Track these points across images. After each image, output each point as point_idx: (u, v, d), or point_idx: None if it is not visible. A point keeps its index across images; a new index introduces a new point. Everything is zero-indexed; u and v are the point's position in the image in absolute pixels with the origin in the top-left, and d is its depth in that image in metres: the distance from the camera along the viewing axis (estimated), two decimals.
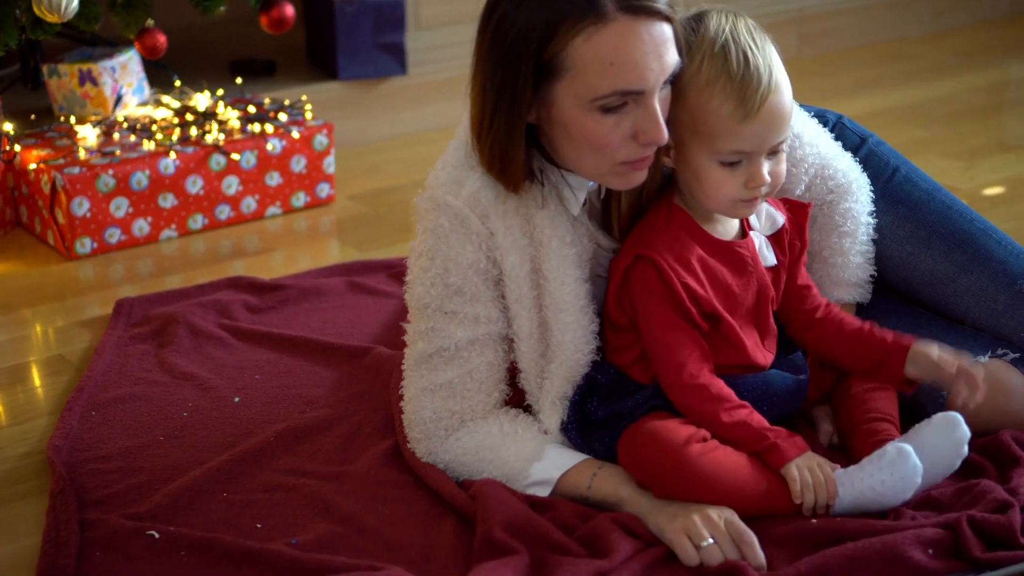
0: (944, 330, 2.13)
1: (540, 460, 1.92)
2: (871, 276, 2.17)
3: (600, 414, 1.91)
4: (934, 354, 1.92)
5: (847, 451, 1.97)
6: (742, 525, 1.79)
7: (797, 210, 2.00)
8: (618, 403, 1.91)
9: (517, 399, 2.02)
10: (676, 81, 1.83)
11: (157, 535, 1.85)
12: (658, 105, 1.79)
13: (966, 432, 1.87)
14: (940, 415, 1.88)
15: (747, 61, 1.81)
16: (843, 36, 4.58)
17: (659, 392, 1.89)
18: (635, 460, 1.84)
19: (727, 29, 1.83)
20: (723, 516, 1.79)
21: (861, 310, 2.18)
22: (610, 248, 1.98)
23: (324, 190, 3.17)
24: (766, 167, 1.85)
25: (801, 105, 2.32)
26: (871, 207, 2.17)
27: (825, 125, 2.25)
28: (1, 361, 2.51)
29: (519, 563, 1.74)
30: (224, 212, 3.05)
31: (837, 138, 2.24)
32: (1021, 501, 1.84)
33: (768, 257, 1.96)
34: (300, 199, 3.14)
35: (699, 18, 1.87)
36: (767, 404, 1.92)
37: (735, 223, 1.94)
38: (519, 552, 1.76)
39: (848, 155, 2.17)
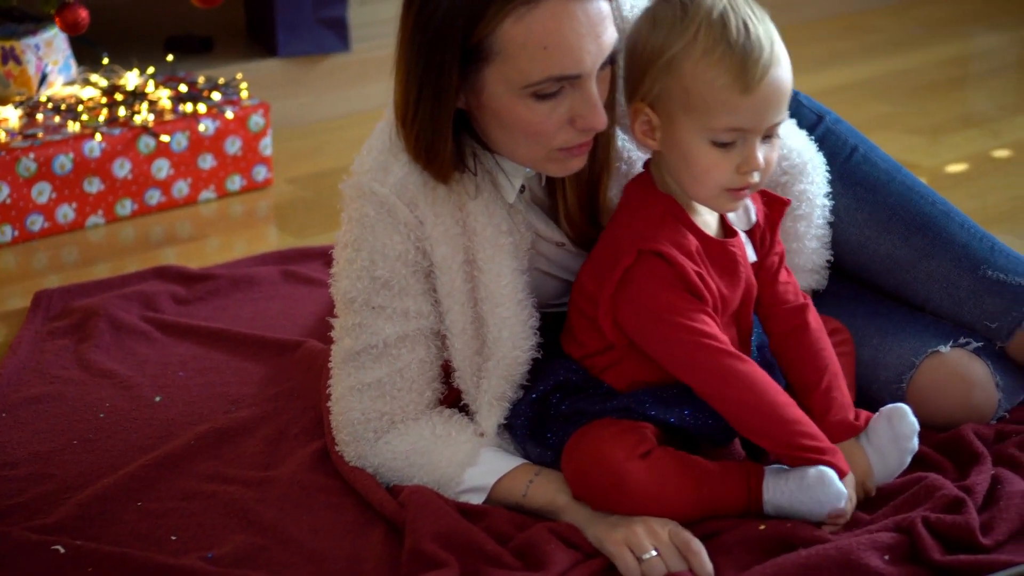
0: (905, 319, 2.02)
1: (474, 465, 1.79)
2: (827, 261, 2.05)
3: (563, 408, 1.78)
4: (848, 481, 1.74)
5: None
6: (687, 534, 1.67)
7: (774, 205, 1.85)
8: (585, 401, 1.78)
9: (453, 398, 1.90)
10: (660, 55, 1.69)
11: (63, 550, 1.72)
12: (596, 88, 1.66)
13: (913, 424, 1.75)
14: (887, 408, 1.76)
15: (748, 30, 1.65)
16: (802, 9, 4.46)
17: (635, 403, 1.75)
18: (573, 476, 1.72)
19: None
20: (667, 527, 1.67)
21: (819, 297, 2.07)
22: (553, 239, 1.85)
23: (261, 173, 3.03)
24: (761, 151, 1.69)
25: None
26: (827, 188, 2.05)
27: None
28: None
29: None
30: (154, 197, 2.91)
31: (792, 116, 2.12)
32: (976, 499, 1.73)
33: (750, 254, 1.83)
34: (235, 183, 3.00)
35: None
36: None
37: (715, 220, 1.80)
38: (450, 564, 1.64)
39: (803, 134, 2.04)
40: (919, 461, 1.85)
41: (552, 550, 1.66)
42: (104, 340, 2.32)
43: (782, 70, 1.68)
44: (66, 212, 2.81)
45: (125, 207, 2.88)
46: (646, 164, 1.80)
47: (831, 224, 2.06)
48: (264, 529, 1.79)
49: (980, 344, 1.95)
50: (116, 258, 2.77)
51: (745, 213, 1.82)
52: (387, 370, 1.82)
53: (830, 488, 1.68)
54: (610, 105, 1.73)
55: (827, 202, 2.04)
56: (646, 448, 1.70)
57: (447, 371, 1.87)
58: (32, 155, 2.74)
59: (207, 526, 1.80)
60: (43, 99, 2.95)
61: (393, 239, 1.77)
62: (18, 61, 2.99)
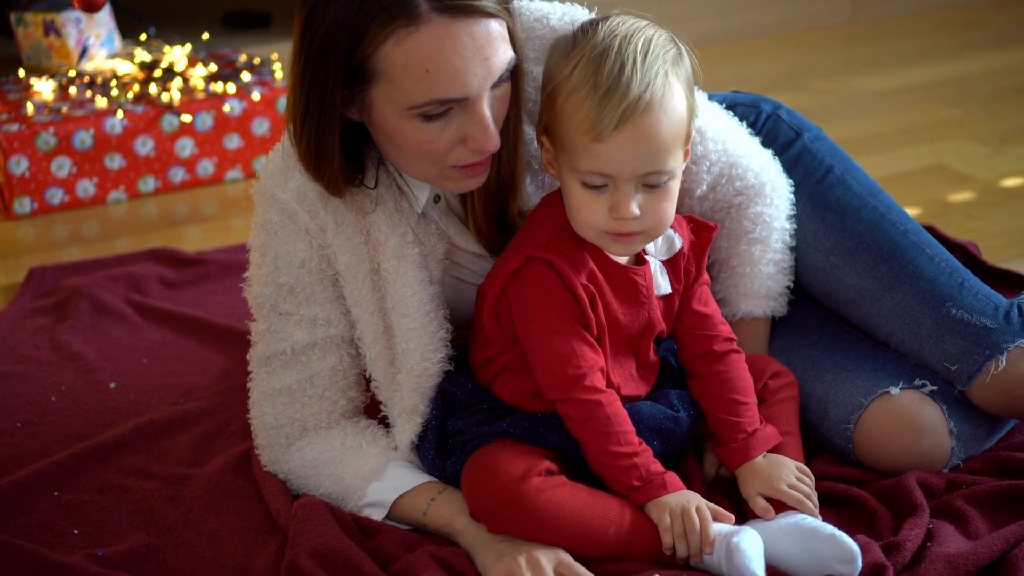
0: (864, 355, 1.90)
1: (379, 480, 1.75)
2: (787, 287, 1.95)
3: (448, 427, 1.74)
4: (754, 500, 1.69)
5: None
6: (579, 568, 1.60)
7: (701, 232, 1.77)
8: (466, 420, 1.73)
9: (377, 409, 1.86)
10: (546, 85, 1.64)
11: None
12: (488, 109, 1.60)
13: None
14: (839, 540, 1.60)
15: (620, 72, 1.56)
16: (904, 0, 4.28)
17: (518, 423, 1.70)
18: (470, 491, 1.66)
19: (619, 37, 1.59)
20: (554, 558, 1.61)
21: (780, 324, 1.97)
22: (469, 250, 1.79)
23: None
24: (636, 200, 1.60)
25: (734, 92, 2.11)
26: (789, 211, 1.94)
27: (756, 118, 2.03)
28: None
29: None
30: (178, 175, 2.92)
31: (768, 132, 2.02)
32: (903, 556, 1.62)
33: (662, 285, 1.74)
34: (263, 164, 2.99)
35: (600, 21, 1.64)
36: (640, 435, 1.72)
37: None
38: None
39: (766, 153, 1.94)
40: (855, 507, 1.75)
41: None
42: (82, 321, 2.34)
43: (654, 120, 1.57)
44: (87, 187, 2.84)
45: (148, 184, 2.90)
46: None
47: (798, 249, 1.96)
48: (164, 530, 1.78)
49: (935, 388, 1.83)
50: (138, 233, 2.79)
51: (667, 241, 1.74)
52: (297, 377, 1.79)
53: (745, 565, 1.59)
54: (514, 120, 1.67)
55: (788, 225, 1.94)
56: (546, 468, 1.63)
57: (369, 381, 1.83)
58: (52, 129, 2.77)
59: (111, 522, 1.80)
60: (83, 72, 2.99)
61: (296, 246, 1.73)
62: (59, 34, 3.03)
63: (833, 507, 1.77)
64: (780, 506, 1.68)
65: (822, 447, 1.88)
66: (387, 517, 1.74)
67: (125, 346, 2.27)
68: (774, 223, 1.92)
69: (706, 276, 1.78)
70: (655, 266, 1.73)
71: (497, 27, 1.58)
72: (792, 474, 1.70)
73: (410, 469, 1.76)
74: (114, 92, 2.91)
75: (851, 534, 1.65)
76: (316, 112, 1.60)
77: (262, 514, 1.80)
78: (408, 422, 1.77)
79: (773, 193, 1.92)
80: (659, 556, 1.64)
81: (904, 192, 2.84)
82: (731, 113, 1.97)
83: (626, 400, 1.72)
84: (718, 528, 1.63)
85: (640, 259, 1.72)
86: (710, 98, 2.02)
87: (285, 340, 1.78)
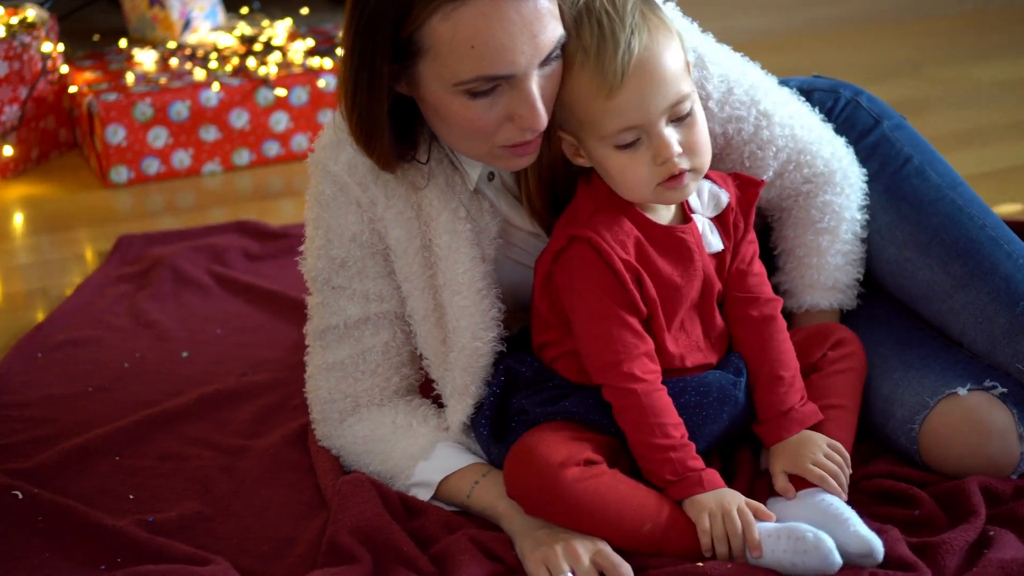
0: (934, 353, 1.83)
1: (427, 460, 1.75)
2: (856, 280, 1.90)
3: (512, 404, 1.72)
4: (777, 478, 1.67)
5: None
6: (616, 557, 1.58)
7: (747, 188, 1.75)
8: (530, 399, 1.71)
9: (432, 387, 1.85)
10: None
11: (20, 495, 1.78)
12: (536, 87, 1.58)
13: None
14: (854, 528, 1.57)
15: (600, 28, 1.58)
16: None
17: (581, 402, 1.67)
18: (509, 473, 1.64)
19: (583, 0, 1.60)
20: (592, 548, 1.59)
21: (849, 318, 1.91)
22: (525, 229, 1.77)
23: None
24: (674, 136, 1.60)
25: (815, 77, 2.06)
26: (862, 201, 1.89)
27: (833, 104, 1.97)
28: None
29: (352, 574, 1.59)
30: (272, 149, 2.95)
31: (847, 119, 1.96)
32: (943, 558, 1.58)
33: (713, 242, 1.72)
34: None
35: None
36: (706, 409, 1.69)
37: (673, 206, 1.71)
38: (361, 561, 1.61)
39: (839, 140, 1.89)
40: (909, 506, 1.70)
41: (465, 560, 1.60)
42: (162, 290, 2.37)
43: (650, 55, 1.58)
44: (182, 158, 2.89)
45: (242, 157, 2.93)
46: None
47: (869, 240, 1.90)
48: (216, 500, 1.80)
49: (1006, 390, 1.76)
50: (231, 204, 2.83)
51: (713, 198, 1.72)
52: (349, 352, 1.79)
53: (826, 559, 1.54)
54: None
55: (860, 216, 1.89)
56: (587, 458, 1.61)
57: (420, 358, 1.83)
58: (149, 100, 2.82)
59: (166, 489, 1.82)
60: (174, 45, 3.03)
61: (348, 219, 1.73)
62: (163, 5, 3.08)
63: (888, 505, 1.72)
64: (804, 483, 1.64)
65: (888, 447, 1.83)
66: (433, 498, 1.74)
67: (201, 316, 2.31)
68: (844, 213, 1.87)
69: (753, 236, 1.75)
70: (703, 224, 1.71)
71: (546, 4, 1.56)
72: (820, 451, 1.67)
73: (458, 450, 1.75)
74: (213, 65, 2.95)
75: (881, 524, 1.62)
76: (365, 86, 1.60)
77: (313, 489, 1.81)
78: (460, 402, 1.76)
79: (844, 182, 1.87)
80: (698, 556, 1.60)
81: (1007, 188, 2.74)
82: (803, 98, 1.92)
83: (695, 370, 1.69)
84: (765, 527, 1.59)
85: (686, 218, 1.70)
86: (785, 83, 1.97)
87: (338, 314, 1.78)
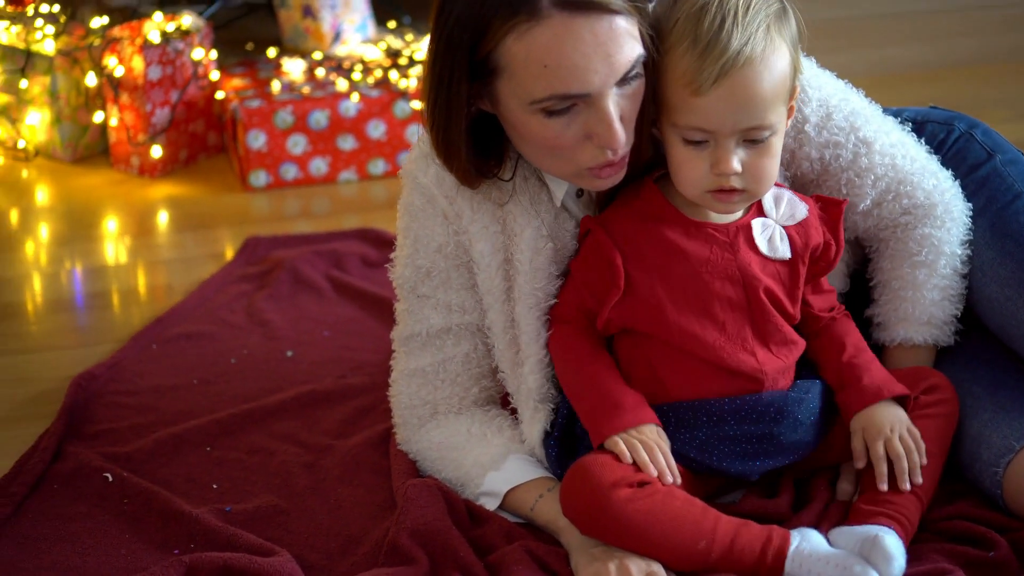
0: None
1: (496, 470, 1.76)
2: (953, 316, 1.84)
3: (580, 431, 1.73)
4: (855, 438, 1.70)
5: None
6: None
7: (829, 207, 1.74)
8: None
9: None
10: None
11: (111, 478, 1.85)
12: (613, 106, 1.58)
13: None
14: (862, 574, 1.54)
15: (721, 26, 1.56)
16: None
17: None
18: (564, 492, 1.64)
19: None
20: (645, 568, 1.58)
21: (946, 354, 1.86)
22: None
23: None
24: (738, 155, 1.60)
25: (931, 108, 2.01)
26: (964, 236, 1.83)
27: (946, 135, 1.92)
28: (117, 282, 2.59)
29: (411, 575, 1.61)
30: None
31: (958, 152, 1.91)
32: None
33: (780, 248, 1.71)
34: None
35: None
36: (761, 427, 1.68)
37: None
38: (418, 563, 1.63)
39: (944, 173, 1.84)
40: (990, 548, 1.64)
41: (519, 571, 1.61)
42: (279, 291, 2.44)
43: (753, 74, 1.57)
44: (319, 165, 2.96)
45: (378, 167, 2.99)
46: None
47: (971, 276, 1.84)
48: (294, 495, 1.84)
49: None
50: (364, 212, 2.89)
51: (790, 207, 1.72)
52: (431, 360, 1.81)
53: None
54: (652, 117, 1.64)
55: (960, 251, 1.83)
56: (640, 479, 1.60)
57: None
58: (290, 108, 2.90)
59: (249, 482, 1.88)
60: (320, 56, 3.11)
61: (435, 230, 1.76)
62: (315, 17, 3.17)
63: (964, 545, 1.66)
64: (876, 516, 1.62)
65: (974, 489, 1.77)
66: (500, 508, 1.75)
67: (312, 318, 2.36)
68: (943, 247, 1.82)
69: (837, 251, 1.75)
70: (768, 228, 1.70)
71: (623, 24, 1.56)
72: (896, 432, 1.66)
73: (528, 463, 1.76)
74: (356, 76, 3.02)
75: (948, 565, 1.59)
76: (444, 105, 1.62)
77: (388, 491, 1.84)
78: (535, 415, 1.77)
79: (945, 215, 1.82)
80: (752, 574, 1.58)
81: None
82: (915, 129, 1.88)
83: (743, 376, 1.67)
84: (818, 551, 1.57)
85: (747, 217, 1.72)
86: (898, 113, 1.93)
87: (421, 322, 1.81)
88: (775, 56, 1.59)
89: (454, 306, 1.79)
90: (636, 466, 1.61)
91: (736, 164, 1.60)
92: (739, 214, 1.71)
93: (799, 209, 1.72)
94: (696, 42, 1.57)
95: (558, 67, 1.55)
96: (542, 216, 1.73)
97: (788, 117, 1.67)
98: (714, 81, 1.56)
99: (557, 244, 1.74)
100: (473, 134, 1.67)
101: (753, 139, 1.61)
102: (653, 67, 1.62)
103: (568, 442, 1.74)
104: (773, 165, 1.63)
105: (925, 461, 1.68)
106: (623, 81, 1.58)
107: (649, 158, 1.71)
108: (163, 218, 2.89)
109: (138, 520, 1.78)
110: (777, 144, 1.63)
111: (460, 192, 1.73)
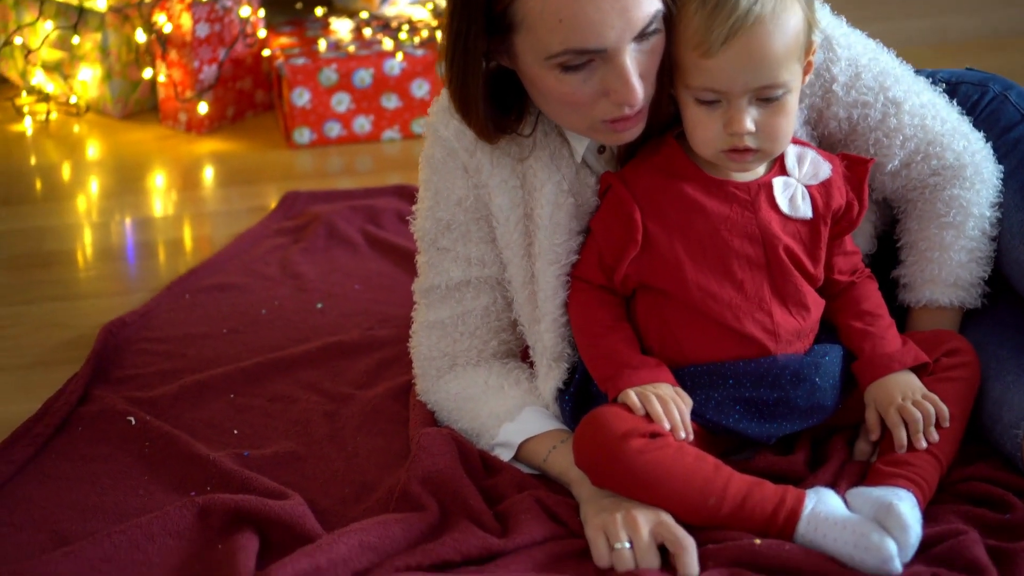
0: None
1: (512, 421, 1.76)
2: (980, 278, 1.81)
3: (595, 391, 1.72)
4: (869, 411, 1.69)
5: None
6: (678, 530, 1.55)
7: (855, 166, 1.72)
8: None
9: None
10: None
11: (134, 421, 1.87)
12: (631, 62, 1.57)
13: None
14: (879, 541, 1.50)
15: None
16: None
17: None
18: (577, 442, 1.64)
19: None
20: (654, 519, 1.57)
21: (973, 317, 1.83)
22: None
23: None
24: (750, 115, 1.59)
25: (967, 70, 1.97)
26: (994, 198, 1.80)
27: (980, 97, 1.89)
28: (162, 234, 2.62)
29: (418, 521, 1.61)
30: None
31: (991, 113, 1.88)
32: (1015, 573, 1.49)
33: (802, 208, 1.69)
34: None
35: None
36: (778, 391, 1.67)
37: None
38: (428, 509, 1.64)
39: (976, 135, 1.81)
40: (1006, 510, 1.62)
41: (526, 520, 1.61)
42: (315, 245, 2.45)
43: (764, 34, 1.55)
44: (363, 123, 2.97)
45: (421, 125, 2.99)
46: None
47: (1000, 239, 1.81)
48: (312, 442, 1.85)
49: None
50: (407, 171, 2.89)
51: (813, 166, 1.70)
52: (450, 312, 1.82)
53: (885, 563, 1.50)
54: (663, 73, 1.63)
55: (990, 213, 1.80)
56: (653, 430, 1.59)
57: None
58: (334, 66, 2.91)
59: (269, 428, 1.89)
60: (367, 15, 3.12)
61: (455, 183, 1.76)
62: None
63: (981, 508, 1.64)
64: (893, 478, 1.60)
65: (995, 452, 1.74)
66: (514, 459, 1.75)
67: (345, 271, 2.37)
68: (971, 208, 1.79)
69: (860, 209, 1.73)
70: (790, 188, 1.69)
71: None
72: (910, 398, 1.65)
73: (543, 415, 1.76)
74: (402, 36, 3.02)
75: (962, 526, 1.56)
76: (461, 59, 1.62)
77: (406, 440, 1.84)
78: (552, 369, 1.76)
79: (975, 176, 1.79)
80: (759, 532, 1.57)
81: None
82: (948, 91, 1.85)
83: (755, 339, 1.66)
84: (834, 514, 1.55)
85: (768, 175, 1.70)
86: (932, 74, 1.91)
87: (441, 275, 1.81)
88: (786, 14, 1.57)
89: (473, 259, 1.79)
90: (649, 419, 1.61)
91: (749, 123, 1.59)
92: (761, 172, 1.69)
93: (823, 168, 1.70)
94: (705, 2, 1.56)
95: (573, 21, 1.54)
96: (563, 172, 1.73)
97: (805, 74, 1.65)
98: (723, 42, 1.55)
99: (578, 200, 1.73)
100: (493, 89, 1.67)
101: (766, 97, 1.59)
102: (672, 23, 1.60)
103: (583, 400, 1.74)
104: (787, 123, 1.62)
105: (946, 423, 1.66)
106: (641, 37, 1.57)
107: (671, 114, 1.70)
108: (209, 173, 2.91)
109: (157, 462, 1.80)
110: (792, 102, 1.61)
111: (480, 146, 1.73)
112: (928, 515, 1.60)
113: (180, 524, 1.63)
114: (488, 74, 1.64)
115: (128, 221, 2.69)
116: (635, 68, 1.57)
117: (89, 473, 1.78)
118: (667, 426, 1.59)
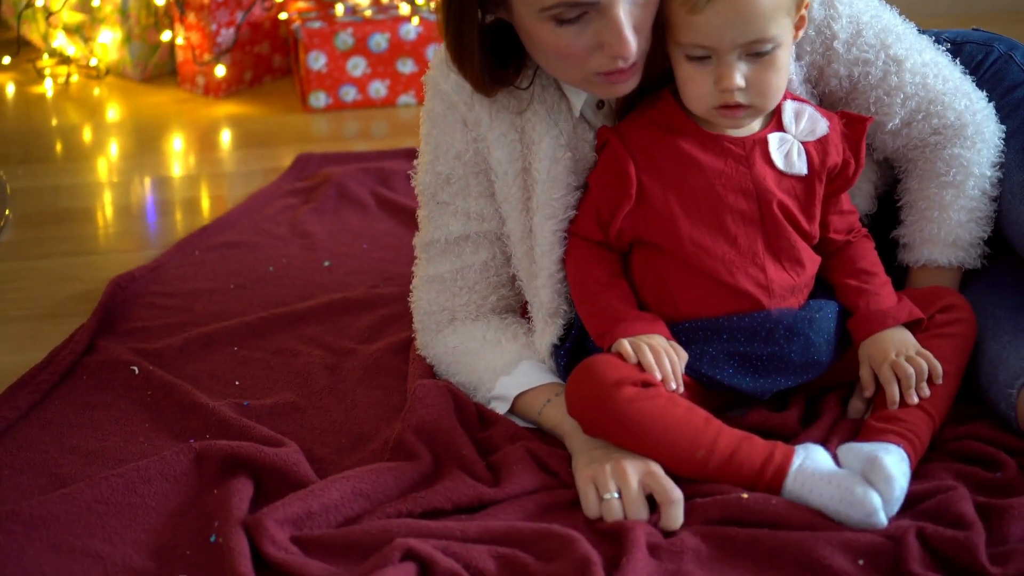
0: None
1: (508, 375, 1.77)
2: (980, 238, 1.81)
3: (589, 346, 1.73)
4: (863, 367, 1.70)
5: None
6: (667, 481, 1.56)
7: (854, 124, 1.72)
8: None
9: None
10: None
11: (137, 371, 1.89)
12: (624, 14, 1.57)
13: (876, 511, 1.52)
14: (863, 495, 1.51)
15: None
16: None
17: None
18: (569, 391, 1.65)
19: None
20: (643, 469, 1.57)
21: (972, 277, 1.83)
22: None
23: None
24: (740, 69, 1.59)
25: (972, 30, 1.96)
26: (995, 158, 1.80)
27: (984, 57, 1.89)
28: (179, 194, 2.64)
29: (411, 470, 1.63)
30: None
31: (995, 73, 1.88)
32: (1006, 524, 1.50)
33: (797, 164, 1.69)
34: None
35: None
36: (771, 345, 1.67)
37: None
38: (421, 459, 1.65)
39: (977, 95, 1.80)
40: (997, 468, 1.62)
41: (518, 470, 1.62)
42: (325, 206, 2.47)
43: None
44: (379, 88, 2.98)
45: None
46: None
47: (1000, 200, 1.81)
48: (311, 393, 1.87)
49: None
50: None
51: (810, 122, 1.70)
52: (450, 267, 1.83)
53: (869, 516, 1.51)
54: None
55: (990, 173, 1.80)
56: (645, 379, 1.60)
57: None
58: (351, 30, 2.92)
59: (270, 380, 1.91)
60: None
61: (455, 136, 1.77)
62: None
63: (973, 466, 1.64)
64: (884, 433, 1.60)
65: (991, 411, 1.74)
66: (510, 412, 1.76)
67: (353, 231, 2.39)
68: (971, 168, 1.78)
69: (855, 168, 1.73)
70: (785, 144, 1.69)
71: None
72: (903, 354, 1.65)
73: (539, 369, 1.77)
74: (418, 0, 3.03)
75: (951, 482, 1.57)
76: (456, 12, 1.63)
77: (404, 393, 1.86)
78: (548, 325, 1.77)
79: (976, 136, 1.78)
80: (746, 487, 1.57)
81: None
82: (953, 50, 1.85)
83: (748, 294, 1.67)
84: (820, 468, 1.55)
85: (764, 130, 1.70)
86: (938, 34, 1.90)
87: (441, 229, 1.82)
88: None
89: (473, 213, 1.80)
90: (642, 368, 1.61)
91: (739, 79, 1.59)
92: (757, 127, 1.70)
93: (820, 125, 1.70)
94: None
95: None
96: (560, 126, 1.73)
97: (798, 29, 1.64)
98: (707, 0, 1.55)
99: (576, 155, 1.74)
100: (492, 42, 1.67)
101: (756, 52, 1.59)
102: None
103: (579, 355, 1.74)
104: (778, 78, 1.62)
105: (939, 380, 1.66)
106: None
107: (667, 68, 1.70)
108: (226, 136, 2.93)
109: (159, 411, 1.83)
110: (782, 56, 1.61)
111: (479, 99, 1.74)
112: (919, 472, 1.61)
113: (176, 468, 1.65)
114: (485, 26, 1.65)
115: (147, 181, 2.71)
116: (629, 21, 1.58)
117: (91, 420, 1.81)
118: (659, 376, 1.60)
